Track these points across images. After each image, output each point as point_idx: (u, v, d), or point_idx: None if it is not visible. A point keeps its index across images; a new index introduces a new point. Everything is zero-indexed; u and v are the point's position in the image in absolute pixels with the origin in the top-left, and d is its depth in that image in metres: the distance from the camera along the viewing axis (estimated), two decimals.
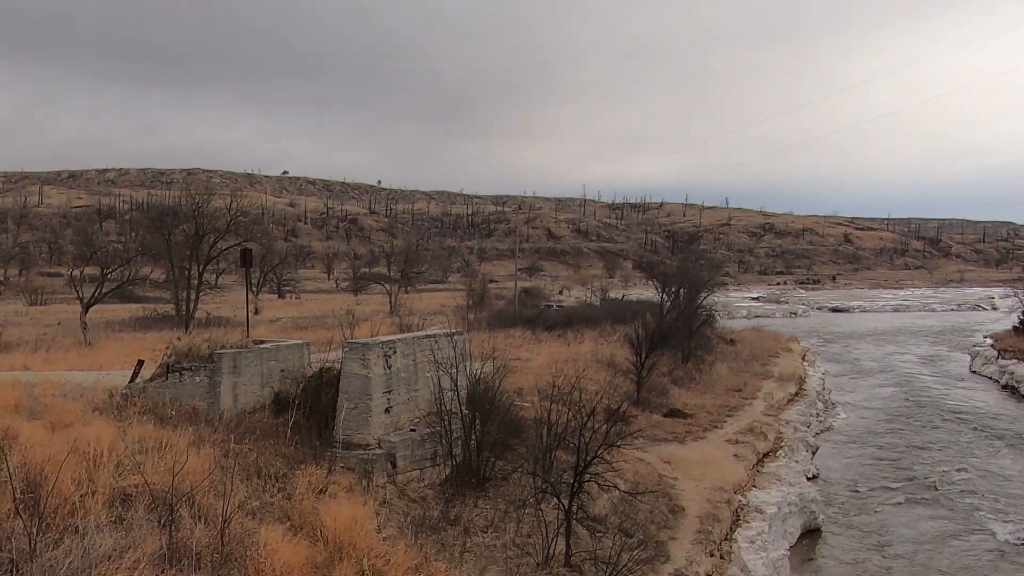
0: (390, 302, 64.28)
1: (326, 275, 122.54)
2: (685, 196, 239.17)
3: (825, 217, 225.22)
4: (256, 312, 63.59)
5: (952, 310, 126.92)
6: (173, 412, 19.12)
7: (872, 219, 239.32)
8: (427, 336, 21.09)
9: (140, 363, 21.90)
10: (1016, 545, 26.40)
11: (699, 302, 46.62)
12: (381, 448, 19.01)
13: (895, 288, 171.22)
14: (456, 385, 20.70)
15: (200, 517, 13.72)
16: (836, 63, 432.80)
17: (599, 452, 17.33)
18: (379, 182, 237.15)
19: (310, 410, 20.16)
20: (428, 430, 20.17)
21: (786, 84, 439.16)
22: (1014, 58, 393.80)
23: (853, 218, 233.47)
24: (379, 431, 19.18)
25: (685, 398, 36.10)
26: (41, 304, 70.32)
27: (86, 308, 40.83)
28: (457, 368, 20.84)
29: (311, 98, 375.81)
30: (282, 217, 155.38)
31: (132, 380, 21.49)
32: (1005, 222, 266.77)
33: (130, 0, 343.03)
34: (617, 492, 20.14)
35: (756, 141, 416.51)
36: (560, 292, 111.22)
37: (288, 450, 18.05)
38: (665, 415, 33.03)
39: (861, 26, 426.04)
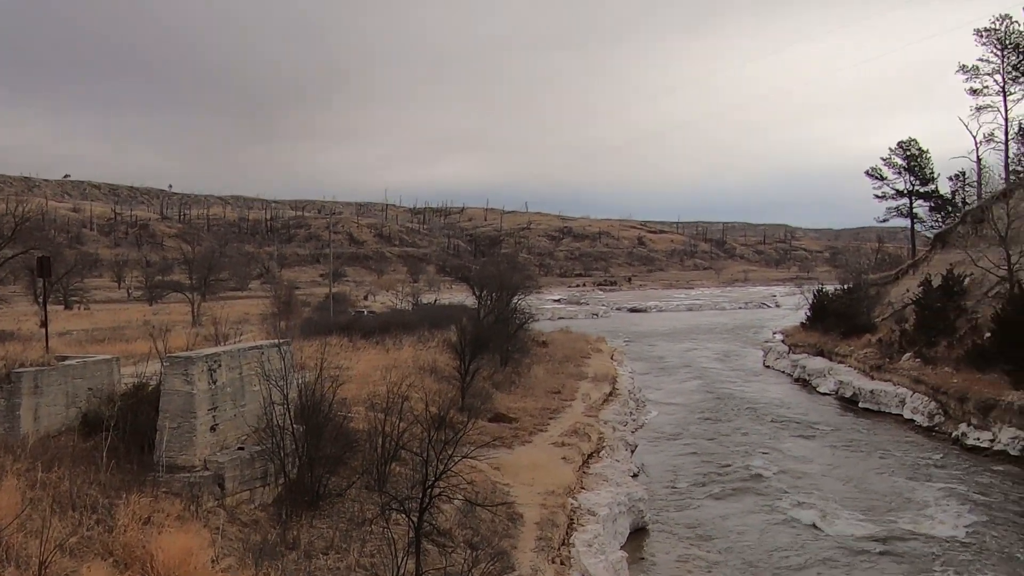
0: (192, 311, 61.19)
1: (116, 284, 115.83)
2: (486, 201, 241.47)
3: (620, 221, 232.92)
4: (42, 324, 59.06)
5: (740, 308, 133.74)
6: None
7: (663, 223, 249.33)
8: (254, 347, 19.85)
9: None
10: (823, 530, 27.64)
11: (514, 305, 46.73)
12: (208, 470, 17.67)
13: (686, 288, 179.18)
14: (287, 398, 19.57)
15: (11, 560, 12.19)
16: (632, 73, 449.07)
17: (448, 465, 16.67)
18: (170, 186, 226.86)
19: (125, 432, 18.51)
20: (258, 447, 18.96)
21: (584, 92, 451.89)
22: (786, 74, 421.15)
23: (645, 221, 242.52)
24: (205, 451, 17.83)
25: (508, 402, 35.96)
26: None
27: None
28: (287, 380, 19.72)
29: (97, 99, 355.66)
30: (65, 223, 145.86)
31: None
32: (781, 224, 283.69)
33: None
34: (459, 504, 19.55)
35: (555, 147, 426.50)
36: (365, 297, 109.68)
37: (105, 477, 16.46)
38: (490, 420, 32.76)
39: (658, 39, 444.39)
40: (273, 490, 19.13)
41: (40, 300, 63.18)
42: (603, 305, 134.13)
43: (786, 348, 67.11)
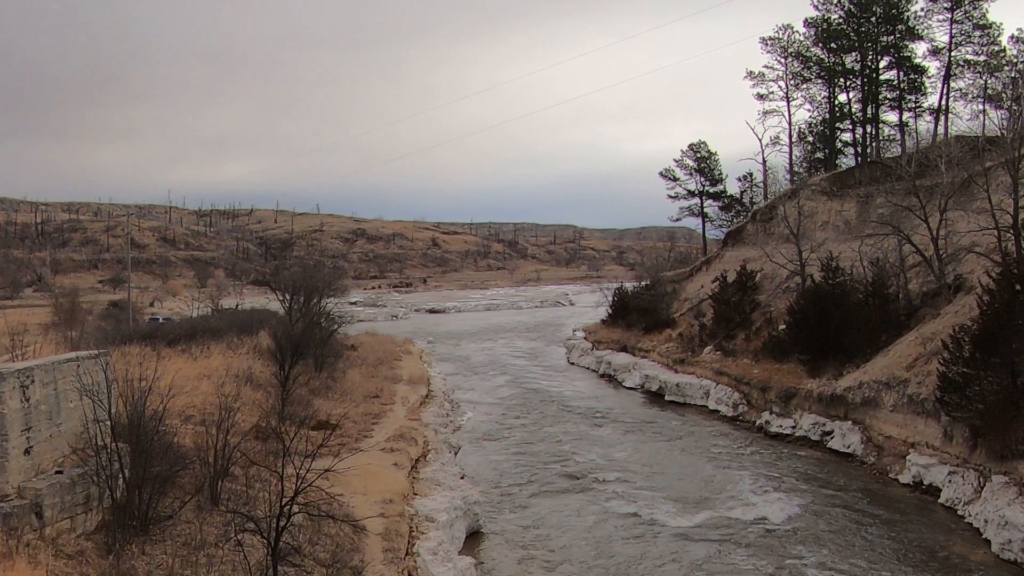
0: None
1: None
2: (276, 202, 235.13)
3: (414, 222, 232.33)
4: None
5: (536, 307, 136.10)
6: None
7: (457, 224, 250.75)
8: (69, 360, 17.98)
9: None
10: (653, 522, 28.18)
11: (326, 309, 45.34)
12: (24, 498, 15.79)
13: (482, 288, 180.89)
14: (111, 415, 17.85)
15: None
16: (429, 75, 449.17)
17: (304, 479, 15.59)
18: None
19: None
20: (78, 470, 17.17)
21: (374, 94, 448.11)
22: (568, 82, 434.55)
23: (439, 223, 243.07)
24: (19, 477, 15.95)
25: (328, 408, 34.68)
26: None
27: None
28: (109, 395, 18.00)
29: None
30: None
31: None
32: (569, 225, 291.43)
33: None
34: (301, 520, 18.40)
35: (347, 148, 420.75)
36: (152, 304, 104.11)
37: None
38: (313, 428, 31.36)
39: (452, 41, 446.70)
40: (96, 516, 17.40)
41: None
42: (401, 307, 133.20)
43: (589, 345, 68.58)
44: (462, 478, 31.47)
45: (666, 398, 50.71)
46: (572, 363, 68.04)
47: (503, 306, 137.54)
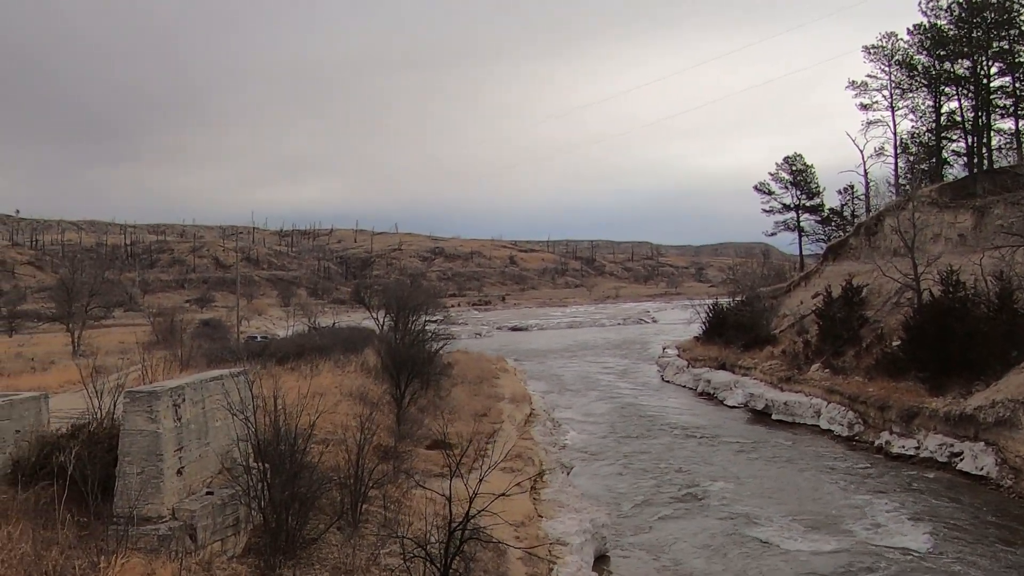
0: (72, 341, 56.91)
1: None
2: (355, 222, 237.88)
3: (491, 240, 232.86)
4: None
5: (619, 324, 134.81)
6: None
7: (533, 241, 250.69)
8: (215, 378, 17.67)
9: None
10: (783, 547, 27.00)
11: (431, 327, 45.05)
12: (178, 519, 15.45)
13: (560, 306, 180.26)
14: (256, 434, 17.47)
15: None
16: (504, 94, 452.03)
17: (472, 503, 14.96)
18: (17, 212, 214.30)
19: (68, 479, 16.08)
20: (227, 491, 16.79)
21: (453, 112, 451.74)
22: (647, 92, 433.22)
23: (516, 241, 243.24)
24: (173, 498, 15.60)
25: (439, 427, 34.13)
26: None
27: None
28: (255, 413, 17.63)
29: None
30: None
31: None
32: (645, 242, 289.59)
33: None
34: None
35: (425, 167, 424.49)
36: (239, 322, 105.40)
37: (64, 536, 14.09)
38: (429, 447, 30.98)
39: (527, 61, 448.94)
40: (243, 539, 17.01)
41: None
42: (483, 325, 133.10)
43: (685, 363, 67.28)
44: (583, 499, 30.70)
45: (773, 417, 49.22)
46: (667, 381, 66.77)
47: (585, 323, 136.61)
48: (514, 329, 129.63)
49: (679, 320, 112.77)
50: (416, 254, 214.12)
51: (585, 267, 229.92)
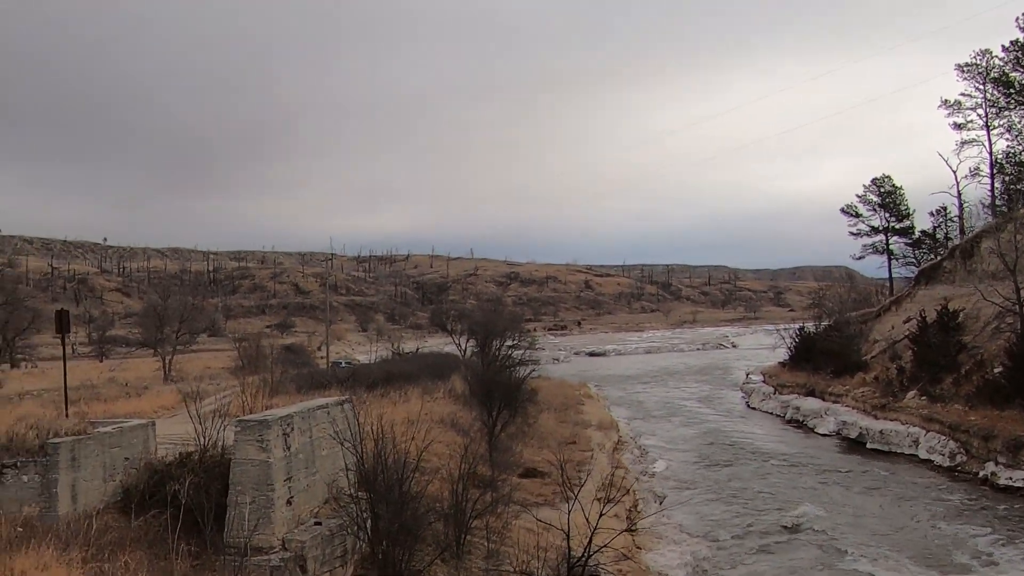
0: (163, 367, 57.94)
1: (58, 340, 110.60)
2: (432, 248, 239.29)
3: (566, 265, 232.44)
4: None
5: (697, 349, 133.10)
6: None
7: (608, 266, 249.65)
8: (321, 407, 17.58)
9: None
10: None
11: (513, 352, 44.75)
12: (288, 550, 15.30)
13: (637, 331, 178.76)
14: (362, 462, 17.29)
15: None
16: (580, 120, 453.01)
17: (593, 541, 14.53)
18: (105, 240, 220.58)
19: (178, 507, 16.06)
20: (335, 521, 16.61)
21: (528, 138, 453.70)
22: (722, 116, 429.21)
23: (591, 266, 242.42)
24: (283, 529, 15.48)
25: (530, 454, 33.86)
26: None
27: None
28: (360, 442, 17.47)
29: (25, 151, 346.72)
30: None
31: None
32: (722, 266, 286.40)
33: None
34: None
35: (499, 193, 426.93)
36: (319, 348, 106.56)
37: (180, 566, 14.02)
38: (521, 476, 30.60)
39: (600, 87, 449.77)
40: (349, 569, 16.81)
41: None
42: (560, 350, 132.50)
43: (771, 389, 65.92)
44: (680, 530, 30.05)
45: (867, 446, 47.74)
46: (753, 408, 65.46)
47: (663, 349, 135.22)
48: (592, 355, 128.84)
49: (760, 345, 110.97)
50: (492, 279, 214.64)
51: (661, 292, 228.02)
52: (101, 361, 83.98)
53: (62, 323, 25.75)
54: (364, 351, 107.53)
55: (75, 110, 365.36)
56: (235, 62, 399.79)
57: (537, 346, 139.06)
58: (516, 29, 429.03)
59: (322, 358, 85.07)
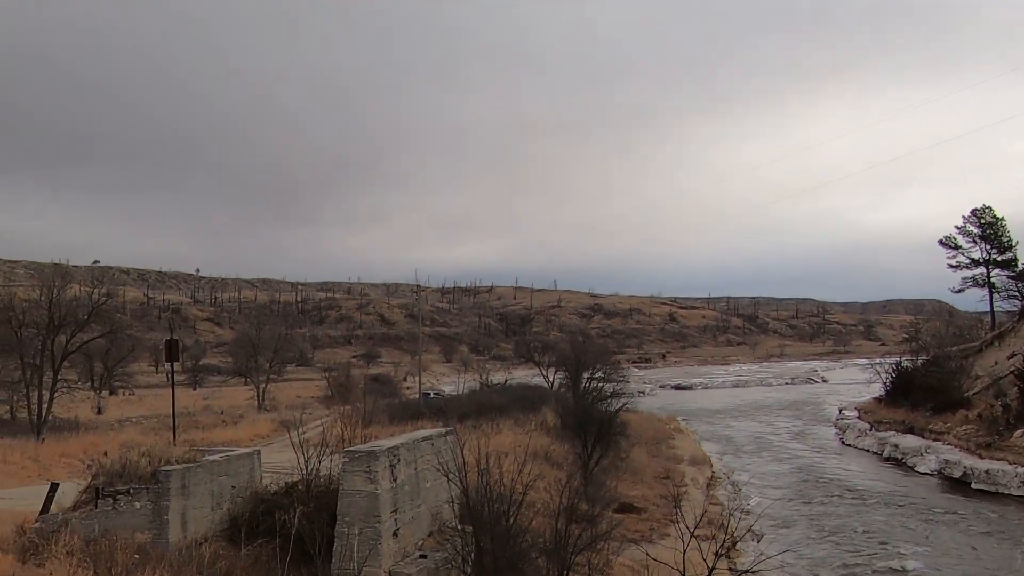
0: (257, 396, 58.95)
1: (154, 368, 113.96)
2: (515, 279, 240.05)
3: (650, 297, 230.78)
4: (99, 412, 57.02)
5: (786, 384, 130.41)
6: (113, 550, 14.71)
7: (693, 298, 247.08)
8: (425, 438, 17.53)
9: (54, 487, 17.25)
10: None
11: (612, 384, 44.34)
12: None
13: (723, 364, 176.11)
14: (467, 495, 17.15)
15: None
16: (659, 150, 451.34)
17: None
18: (197, 270, 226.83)
19: (286, 537, 16.09)
20: (440, 554, 16.48)
21: (600, 170, 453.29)
22: (806, 145, 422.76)
23: (675, 298, 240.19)
24: (389, 561, 15.41)
25: (624, 489, 33.39)
26: None
27: None
28: (464, 475, 17.34)
29: (123, 185, 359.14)
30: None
31: (45, 510, 16.83)
32: (809, 299, 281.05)
33: None
34: None
35: (582, 225, 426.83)
36: (405, 379, 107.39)
37: None
38: (617, 511, 30.13)
39: (674, 120, 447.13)
40: None
41: (96, 386, 61.22)
42: (646, 383, 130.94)
43: (867, 425, 64.13)
44: (783, 572, 29.19)
45: (972, 486, 45.95)
46: (848, 444, 63.68)
47: (751, 382, 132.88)
48: (678, 388, 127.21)
49: (852, 380, 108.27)
50: (575, 311, 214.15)
51: (747, 324, 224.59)
52: (195, 389, 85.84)
53: (171, 352, 26.24)
54: (449, 382, 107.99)
55: (171, 146, 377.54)
56: (324, 96, 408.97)
57: (622, 379, 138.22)
58: (603, 61, 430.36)
59: (408, 388, 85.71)
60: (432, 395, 58.23)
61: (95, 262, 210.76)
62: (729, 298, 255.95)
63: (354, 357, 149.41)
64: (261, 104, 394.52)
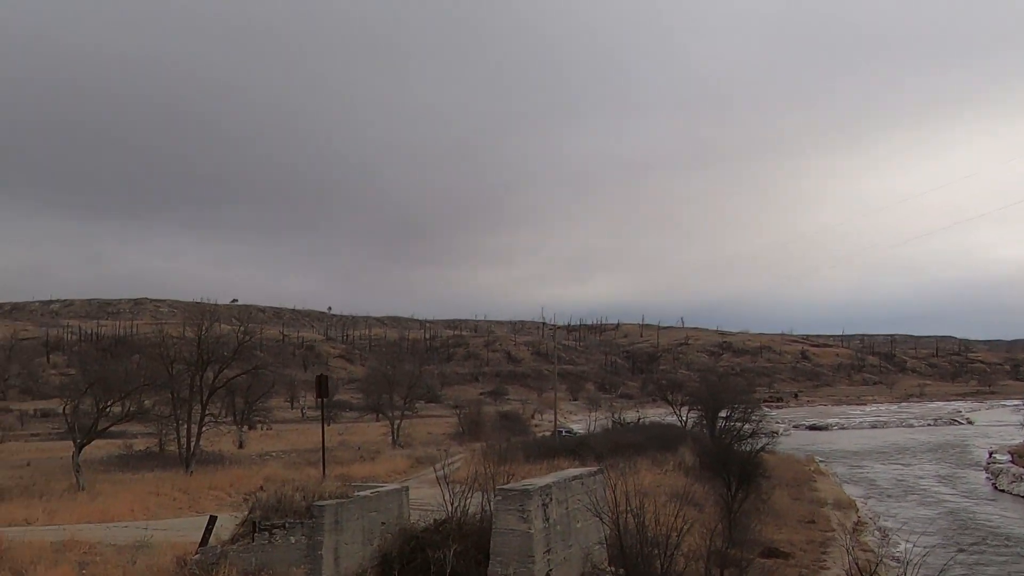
0: (392, 431, 59.81)
1: (289, 404, 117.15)
2: (641, 317, 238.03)
3: (781, 335, 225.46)
4: (241, 446, 58.69)
5: (928, 425, 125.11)
6: None
7: (825, 336, 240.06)
8: (576, 477, 17.26)
9: (212, 520, 17.64)
10: None
11: (752, 423, 43.25)
12: None
13: (859, 404, 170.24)
14: (620, 535, 16.79)
15: None
16: (790, 186, 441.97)
17: None
18: (330, 308, 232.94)
19: (437, 575, 16.02)
20: None
21: (737, 208, 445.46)
22: (938, 179, 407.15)
23: (807, 335, 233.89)
24: None
25: (769, 533, 32.33)
26: None
27: (80, 447, 35.96)
28: (616, 516, 16.98)
29: (259, 225, 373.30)
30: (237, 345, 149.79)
31: (204, 542, 17.21)
32: (949, 336, 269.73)
33: (69, 134, 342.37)
34: None
35: (709, 262, 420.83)
36: (532, 416, 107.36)
37: None
38: (762, 555, 29.14)
39: (805, 150, 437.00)
40: None
41: (238, 420, 63.11)
42: (779, 423, 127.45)
43: (1023, 470, 60.81)
44: None
45: None
46: (1001, 490, 60.41)
47: (889, 423, 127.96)
48: (812, 428, 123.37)
49: (1000, 422, 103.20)
50: (703, 349, 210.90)
51: (884, 363, 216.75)
52: (329, 424, 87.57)
53: (322, 388, 26.80)
54: (577, 420, 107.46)
55: (304, 188, 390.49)
56: (451, 137, 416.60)
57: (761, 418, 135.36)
58: (728, 96, 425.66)
59: (537, 426, 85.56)
60: (564, 433, 57.85)
61: (234, 300, 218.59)
62: (864, 336, 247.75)
63: (481, 394, 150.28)
64: (391, 144, 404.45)
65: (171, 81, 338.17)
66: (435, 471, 22.56)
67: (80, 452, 36.06)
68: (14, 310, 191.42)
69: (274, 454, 53.67)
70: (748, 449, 39.17)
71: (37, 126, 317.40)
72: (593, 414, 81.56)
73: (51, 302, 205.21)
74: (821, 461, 75.35)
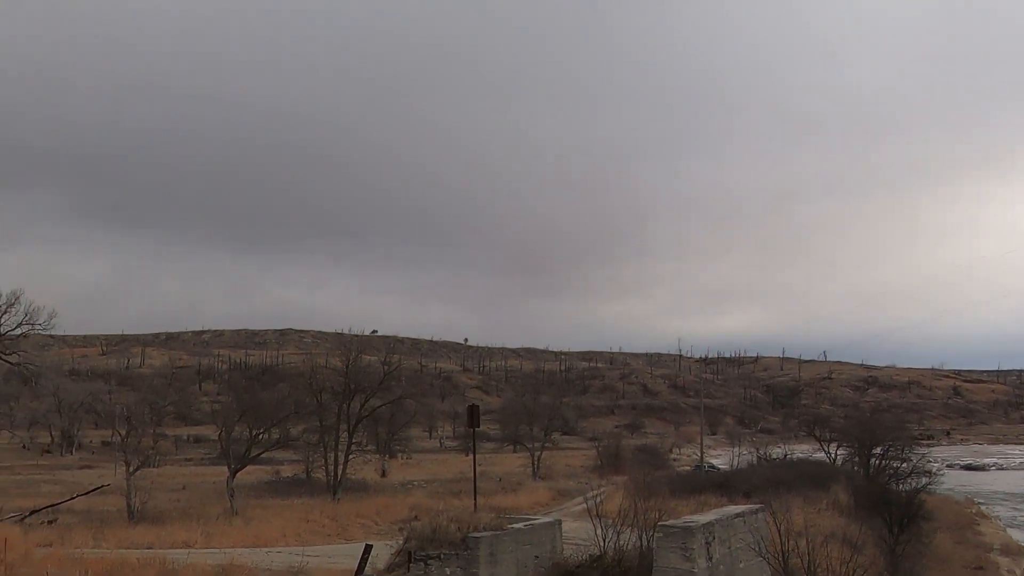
0: (532, 463, 59.71)
1: (427, 434, 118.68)
2: (782, 350, 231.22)
3: (931, 370, 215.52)
4: (384, 474, 59.52)
5: None
6: None
7: (980, 371, 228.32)
8: (738, 515, 16.59)
9: (368, 548, 17.68)
10: None
11: (910, 461, 41.22)
12: None
13: (1017, 443, 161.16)
14: None
15: None
16: (915, 214, 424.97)
17: None
18: (466, 340, 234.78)
19: None
20: None
21: (879, 238, 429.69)
22: None
23: (959, 370, 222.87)
24: None
25: None
26: (153, 467, 67.01)
27: (234, 473, 37.06)
28: (784, 557, 16.20)
29: (398, 259, 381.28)
30: (378, 375, 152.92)
31: (360, 570, 17.24)
32: None
33: (225, 173, 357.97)
34: None
35: (852, 294, 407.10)
36: (670, 450, 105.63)
37: None
38: None
39: (954, 178, 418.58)
40: None
41: (381, 449, 64.10)
42: (930, 461, 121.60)
43: None
44: None
45: None
46: None
47: None
48: (967, 468, 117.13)
49: None
50: (847, 383, 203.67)
51: None
52: (466, 455, 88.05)
53: (474, 418, 26.86)
54: (716, 454, 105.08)
55: (436, 226, 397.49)
56: (592, 165, 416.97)
57: (920, 457, 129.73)
58: (878, 119, 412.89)
59: (675, 460, 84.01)
60: (707, 468, 56.47)
61: (373, 331, 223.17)
62: (1022, 371, 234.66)
63: (617, 427, 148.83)
64: (533, 173, 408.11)
65: (311, 130, 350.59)
66: (585, 502, 22.12)
67: (234, 477, 37.13)
68: (169, 339, 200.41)
69: (416, 483, 54.20)
70: (908, 488, 37.22)
71: (191, 173, 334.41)
72: (735, 449, 79.44)
73: (203, 332, 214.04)
74: (981, 503, 71.32)
